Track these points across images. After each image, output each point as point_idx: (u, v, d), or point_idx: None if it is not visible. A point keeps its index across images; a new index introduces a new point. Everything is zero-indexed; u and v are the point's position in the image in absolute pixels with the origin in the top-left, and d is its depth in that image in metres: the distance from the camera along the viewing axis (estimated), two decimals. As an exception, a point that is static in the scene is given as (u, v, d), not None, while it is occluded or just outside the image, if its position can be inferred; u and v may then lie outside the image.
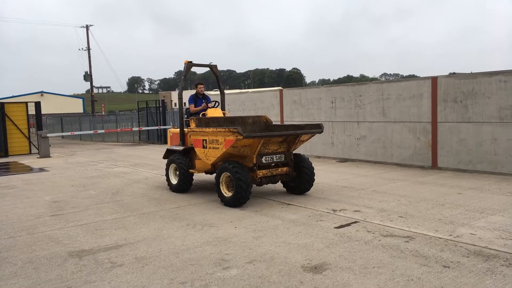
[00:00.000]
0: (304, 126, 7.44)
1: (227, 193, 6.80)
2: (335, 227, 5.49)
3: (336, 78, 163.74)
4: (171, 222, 6.00)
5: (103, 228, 5.84)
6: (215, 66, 8.78)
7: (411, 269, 4.03)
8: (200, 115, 8.17)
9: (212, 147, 6.93)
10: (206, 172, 7.84)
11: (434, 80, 10.17)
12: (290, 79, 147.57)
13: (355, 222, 5.70)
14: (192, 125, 7.41)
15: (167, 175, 8.29)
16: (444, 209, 6.26)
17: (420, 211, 6.18)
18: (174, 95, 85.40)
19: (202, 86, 8.84)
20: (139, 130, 22.51)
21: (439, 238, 4.95)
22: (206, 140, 7.04)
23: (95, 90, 45.61)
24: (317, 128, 7.23)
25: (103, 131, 22.43)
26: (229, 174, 6.66)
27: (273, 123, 8.73)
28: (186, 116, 8.59)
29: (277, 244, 4.89)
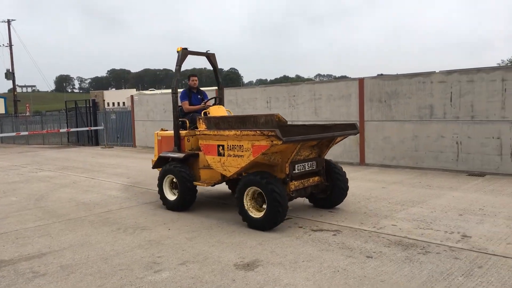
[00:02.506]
0: (332, 126, 6.45)
1: (255, 213, 5.49)
2: (268, 225, 5.60)
3: (273, 78, 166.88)
4: (100, 227, 5.77)
5: (24, 236, 5.47)
6: (213, 54, 7.66)
7: (337, 261, 4.24)
8: (202, 114, 6.90)
9: (233, 155, 5.58)
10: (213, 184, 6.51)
11: (361, 81, 10.73)
12: (228, 79, 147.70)
13: (287, 219, 5.84)
14: (202, 126, 6.08)
15: (160, 190, 6.78)
16: (370, 203, 6.64)
17: (347, 206, 6.49)
18: (107, 94, 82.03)
19: (195, 78, 7.59)
20: (68, 132, 21.33)
21: (364, 230, 5.24)
22: (223, 145, 5.68)
23: (18, 89, 42.56)
24: (352, 129, 6.22)
25: (26, 133, 20.94)
26: (257, 188, 5.38)
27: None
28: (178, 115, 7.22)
29: (211, 244, 4.89)
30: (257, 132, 5.16)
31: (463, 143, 9.15)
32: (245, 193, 5.52)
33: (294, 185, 5.62)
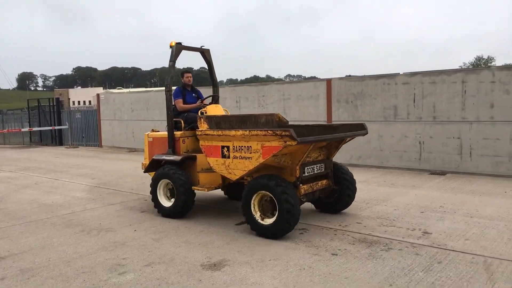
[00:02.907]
0: (339, 126, 6.10)
1: (264, 220, 5.08)
2: (236, 224, 5.61)
3: (243, 78, 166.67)
4: (63, 229, 5.60)
5: (-19, 240, 5.24)
6: (208, 50, 7.28)
7: (303, 259, 4.29)
8: (199, 113, 6.49)
9: (240, 157, 5.20)
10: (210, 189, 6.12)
11: (329, 82, 10.91)
12: (198, 78, 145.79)
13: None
14: (203, 126, 5.66)
15: (154, 195, 6.25)
16: (336, 202, 6.75)
17: (315, 205, 6.58)
18: (72, 92, 79.70)
19: (190, 75, 7.10)
20: (30, 131, 20.58)
21: (330, 228, 5.34)
22: (228, 147, 5.31)
23: (-24, 87, 40.71)
24: (361, 129, 5.89)
25: (-14, 132, 20.05)
26: (267, 193, 4.99)
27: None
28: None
29: (178, 245, 4.85)
30: (269, 132, 4.81)
31: (426, 143, 9.47)
32: (253, 198, 5.13)
33: (303, 189, 5.28)
